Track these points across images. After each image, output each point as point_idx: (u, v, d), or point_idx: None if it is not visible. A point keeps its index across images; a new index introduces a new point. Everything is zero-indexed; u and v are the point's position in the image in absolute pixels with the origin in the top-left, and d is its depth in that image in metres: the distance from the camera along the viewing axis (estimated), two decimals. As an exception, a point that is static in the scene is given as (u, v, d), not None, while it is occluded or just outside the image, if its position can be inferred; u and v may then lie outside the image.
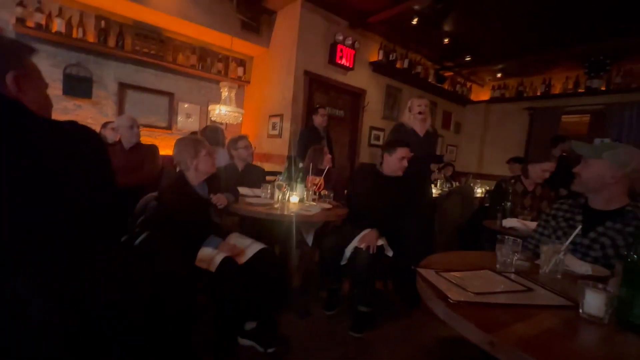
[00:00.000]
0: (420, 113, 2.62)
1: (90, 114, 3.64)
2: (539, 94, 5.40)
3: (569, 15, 3.52)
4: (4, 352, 0.65)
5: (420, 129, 2.65)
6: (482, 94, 6.29)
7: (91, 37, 3.46)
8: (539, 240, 1.37)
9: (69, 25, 3.29)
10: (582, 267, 1.06)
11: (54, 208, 0.83)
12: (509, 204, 2.15)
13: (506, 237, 1.09)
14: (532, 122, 5.54)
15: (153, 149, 2.72)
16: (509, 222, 1.98)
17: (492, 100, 6.05)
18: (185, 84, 4.28)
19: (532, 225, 1.80)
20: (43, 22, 3.16)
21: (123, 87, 3.81)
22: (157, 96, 4.07)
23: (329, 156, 2.66)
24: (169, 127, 4.18)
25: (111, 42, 3.56)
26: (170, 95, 4.16)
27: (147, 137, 3.84)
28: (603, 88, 4.66)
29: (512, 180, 2.50)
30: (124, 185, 2.40)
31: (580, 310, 0.74)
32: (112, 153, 2.60)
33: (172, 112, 4.19)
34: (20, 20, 3.06)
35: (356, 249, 1.94)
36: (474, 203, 3.28)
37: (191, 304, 1.32)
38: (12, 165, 0.75)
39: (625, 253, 0.73)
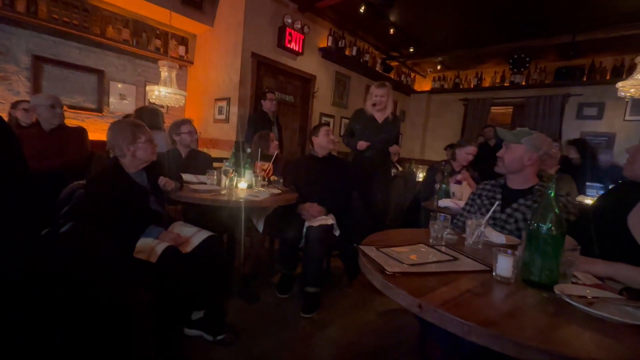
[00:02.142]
0: (374, 105, 2.74)
1: (-3, 91, 3.11)
2: (472, 86, 5.92)
3: (499, 15, 3.87)
4: None
5: (379, 116, 2.78)
6: (424, 85, 6.69)
7: (-8, -1, 2.92)
8: (466, 217, 1.54)
9: (-40, -19, 2.73)
10: (499, 238, 1.22)
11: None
12: (444, 186, 2.35)
13: (438, 214, 1.20)
14: (466, 112, 6.08)
15: (80, 131, 2.44)
16: (443, 202, 2.17)
17: (433, 91, 6.47)
18: (117, 60, 3.86)
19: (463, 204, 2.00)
20: None
21: (38, 60, 3.30)
22: (82, 73, 3.61)
23: (275, 142, 2.65)
24: (99, 110, 3.75)
25: (20, 7, 3.04)
26: (99, 72, 3.72)
27: (72, 120, 3.41)
28: (523, 83, 5.27)
29: (443, 163, 2.77)
30: (44, 170, 2.13)
31: (494, 273, 0.86)
32: (28, 136, 2.28)
33: (102, 92, 3.76)
34: None
35: (308, 228, 2.01)
36: (416, 186, 3.54)
37: (128, 297, 1.24)
38: None
39: (528, 222, 0.86)
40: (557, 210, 0.81)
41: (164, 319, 1.45)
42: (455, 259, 1.00)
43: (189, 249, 1.59)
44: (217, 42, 4.06)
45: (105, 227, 1.36)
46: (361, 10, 3.88)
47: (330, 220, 2.09)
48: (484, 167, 2.66)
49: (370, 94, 2.79)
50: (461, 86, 6.09)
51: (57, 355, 0.89)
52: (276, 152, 2.55)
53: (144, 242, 1.48)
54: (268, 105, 3.44)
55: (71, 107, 3.49)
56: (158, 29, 4.02)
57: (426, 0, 3.74)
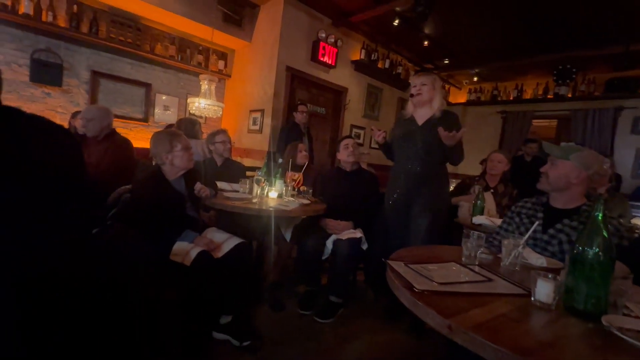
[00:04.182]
0: (412, 96, 1.98)
1: (60, 102, 3.48)
2: (511, 98, 5.66)
3: (540, 25, 3.71)
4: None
5: (420, 115, 1.98)
6: (459, 97, 6.50)
7: (62, 22, 3.31)
8: (503, 236, 1.46)
9: (37, 8, 3.12)
10: (539, 260, 1.15)
11: (25, 198, 0.81)
12: (479, 202, 2.25)
13: (471, 232, 1.15)
14: (504, 125, 5.80)
15: (126, 141, 2.64)
16: (478, 219, 2.08)
17: (469, 103, 6.27)
18: (163, 74, 4.17)
19: (499, 222, 1.90)
20: (9, 3, 2.98)
21: (96, 75, 3.66)
22: (132, 86, 3.94)
23: (303, 153, 2.68)
24: (145, 120, 4.05)
25: (84, 28, 3.41)
26: (147, 86, 4.04)
27: (121, 129, 3.71)
28: (569, 95, 4.95)
29: (477, 178, 2.61)
30: (97, 175, 2.32)
31: (532, 298, 0.81)
32: (85, 144, 2.52)
33: (148, 103, 4.07)
34: (-17, 0, 2.87)
35: (336, 240, 2.02)
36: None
37: (159, 297, 1.31)
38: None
39: (572, 245, 0.80)
40: (605, 234, 0.75)
41: (195, 320, 1.51)
42: (490, 280, 0.95)
43: (220, 254, 1.65)
44: (254, 57, 4.25)
45: (146, 229, 1.46)
46: (395, 24, 3.90)
47: (358, 233, 2.08)
48: (517, 183, 2.51)
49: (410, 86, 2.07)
50: (499, 98, 5.84)
51: (92, 345, 0.95)
52: (306, 163, 2.59)
53: (179, 246, 1.56)
54: (299, 117, 3.52)
55: (121, 117, 3.81)
56: (201, 45, 4.30)
57: (462, 11, 3.67)
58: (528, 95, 5.49)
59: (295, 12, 3.87)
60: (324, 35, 4.11)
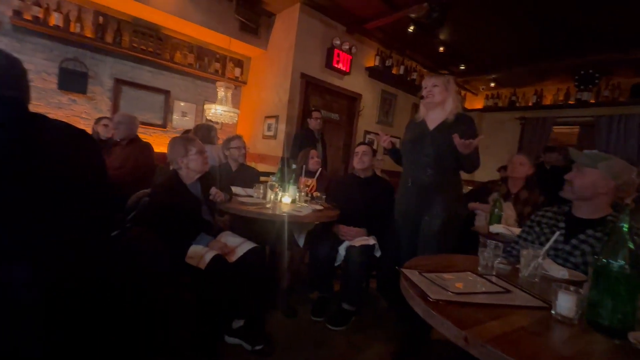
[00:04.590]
0: (422, 98, 1.87)
1: (85, 109, 3.63)
2: (530, 104, 5.51)
3: (560, 29, 3.62)
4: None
5: (431, 119, 1.84)
6: (476, 102, 6.39)
7: (89, 33, 3.46)
8: (522, 245, 1.41)
9: (66, 19, 3.29)
10: (560, 272, 1.10)
11: (49, 201, 0.85)
12: (496, 210, 2.19)
13: (488, 241, 1.12)
14: (523, 131, 5.65)
15: (147, 146, 2.73)
16: (495, 228, 2.02)
17: (486, 109, 6.15)
18: (181, 82, 4.29)
19: (518, 231, 1.84)
20: (40, 16, 3.15)
21: (119, 83, 3.80)
22: (152, 94, 4.07)
23: (315, 159, 2.68)
24: (164, 125, 4.18)
25: (109, 38, 3.57)
26: (166, 93, 4.16)
27: (141, 135, 3.83)
28: (592, 101, 4.78)
29: (499, 183, 2.50)
30: (119, 179, 2.40)
31: (553, 311, 0.78)
32: (107, 149, 2.62)
33: (167, 109, 4.20)
34: (17, 13, 3.05)
35: (349, 247, 2.01)
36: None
37: (174, 299, 1.33)
38: (12, 160, 0.77)
39: (596, 257, 0.77)
40: (631, 245, 0.72)
41: (208, 323, 1.53)
42: (508, 291, 0.92)
43: (234, 258, 1.67)
44: (269, 64, 4.33)
45: (163, 232, 1.49)
46: (410, 30, 3.89)
47: (372, 240, 2.06)
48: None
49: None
50: (517, 104, 5.70)
51: (103, 342, 0.97)
52: (319, 169, 2.60)
53: (195, 249, 1.59)
54: (313, 124, 3.55)
55: (141, 122, 3.91)
56: (218, 53, 4.42)
57: (479, 16, 3.62)
58: (548, 101, 5.34)
59: (310, 20, 3.93)
60: (338, 42, 4.14)
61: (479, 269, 1.10)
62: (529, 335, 0.67)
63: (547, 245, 1.10)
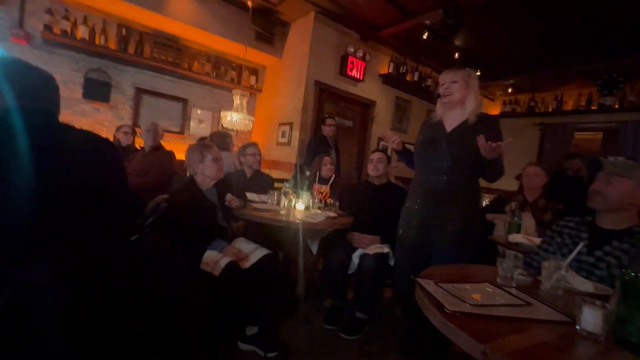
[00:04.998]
0: (439, 97, 1.67)
1: (107, 117, 3.77)
2: (550, 110, 5.36)
3: (580, 32, 3.52)
4: (17, 331, 0.69)
5: (449, 120, 1.66)
6: (493, 108, 6.27)
7: (112, 44, 3.62)
8: (543, 256, 1.37)
9: (92, 32, 3.45)
10: (584, 285, 1.06)
11: (73, 205, 0.88)
12: (515, 219, 2.13)
13: (507, 251, 1.09)
14: (543, 137, 5.49)
15: (169, 153, 2.82)
16: (514, 238, 1.96)
17: (503, 115, 6.02)
18: (199, 90, 4.41)
19: (538, 241, 1.78)
20: (68, 30, 3.32)
21: (139, 92, 3.94)
22: (171, 102, 4.20)
23: (328, 166, 2.68)
24: (181, 132, 4.29)
25: (131, 49, 3.71)
26: (184, 101, 4.29)
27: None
28: (616, 106, 4.60)
29: (516, 194, 2.45)
30: (142, 185, 2.48)
31: (577, 327, 0.74)
32: (131, 156, 2.72)
33: (185, 117, 4.31)
34: (48, 27, 3.22)
35: (363, 255, 1.99)
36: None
37: (189, 305, 1.35)
38: (41, 165, 0.81)
39: (623, 270, 0.74)
40: (662, 259, 0.68)
41: (222, 330, 1.54)
42: (528, 304, 0.89)
43: (247, 264, 1.68)
44: (283, 72, 4.39)
45: (179, 237, 1.52)
46: (424, 37, 3.87)
47: (386, 248, 2.04)
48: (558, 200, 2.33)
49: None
50: (536, 109, 5.56)
51: (122, 344, 0.99)
52: (333, 176, 2.60)
53: (210, 255, 1.61)
54: (327, 131, 3.56)
55: (160, 130, 4.06)
56: (234, 62, 4.52)
57: (495, 20, 3.57)
58: (569, 106, 5.18)
59: (324, 28, 3.97)
60: (352, 49, 4.17)
61: (498, 280, 1.07)
62: (551, 351, 0.64)
63: (571, 257, 1.06)
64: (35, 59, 3.33)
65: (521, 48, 4.16)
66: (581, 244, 1.11)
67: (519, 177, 4.28)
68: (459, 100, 1.60)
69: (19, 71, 0.87)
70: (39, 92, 0.89)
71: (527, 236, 1.96)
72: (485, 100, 6.18)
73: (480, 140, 1.40)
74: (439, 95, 1.66)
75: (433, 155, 1.64)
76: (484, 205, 2.71)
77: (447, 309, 0.77)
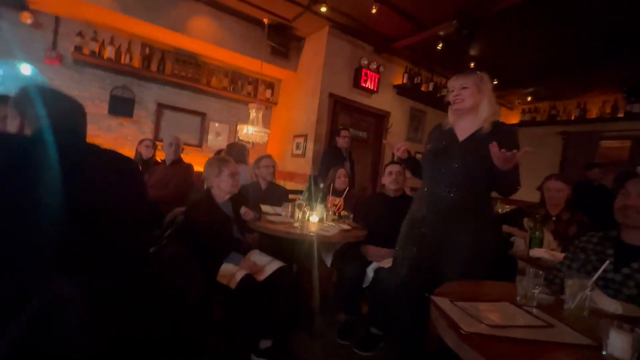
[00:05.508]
0: (449, 104, 1.57)
1: (131, 131, 3.94)
2: (572, 118, 5.19)
3: (603, 37, 3.41)
4: (40, 347, 0.72)
5: (461, 129, 1.53)
6: (511, 117, 6.13)
7: (137, 63, 3.81)
8: (566, 274, 1.31)
9: (118, 52, 3.65)
10: (612, 305, 1.00)
11: (97, 220, 0.93)
12: (537, 232, 2.05)
13: (528, 268, 1.05)
14: (566, 147, 5.30)
15: (189, 166, 2.91)
16: (536, 252, 1.88)
17: (522, 124, 5.87)
18: (217, 104, 4.55)
19: (561, 256, 1.70)
20: (97, 50, 3.53)
21: (161, 107, 4.11)
22: (190, 116, 4.35)
23: (342, 178, 2.67)
24: (199, 145, 4.42)
25: (153, 66, 3.90)
26: (202, 115, 4.43)
27: (179, 154, 4.08)
28: (645, 113, 4.41)
29: (537, 207, 2.33)
30: (163, 197, 2.56)
31: (604, 352, 0.71)
32: (153, 169, 2.83)
33: (203, 130, 4.45)
34: (78, 48, 3.44)
35: (378, 269, 1.96)
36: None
37: (205, 318, 1.36)
38: (68, 181, 0.86)
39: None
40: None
41: (236, 343, 1.54)
42: (550, 325, 0.85)
43: (262, 277, 1.69)
44: (298, 85, 4.48)
45: (196, 250, 1.55)
46: (438, 48, 3.87)
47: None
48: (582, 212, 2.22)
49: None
50: (558, 118, 5.39)
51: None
52: (347, 188, 2.60)
53: (226, 268, 1.63)
54: (341, 142, 3.58)
55: (179, 143, 4.20)
56: (250, 77, 4.65)
57: (511, 29, 3.51)
58: (593, 114, 5.00)
59: (338, 42, 4.04)
60: (366, 62, 4.21)
61: (518, 298, 1.02)
62: (575, 379, 0.61)
63: (596, 275, 1.01)
64: (67, 78, 3.55)
65: (539, 55, 4.07)
66: (607, 262, 1.05)
67: (540, 188, 4.14)
68: (471, 107, 1.47)
69: (54, 98, 0.98)
70: (69, 117, 0.98)
71: (549, 251, 1.89)
72: (504, 109, 6.05)
73: (494, 147, 1.26)
74: (449, 103, 1.55)
75: (443, 166, 1.50)
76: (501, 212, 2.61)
77: (463, 330, 0.75)
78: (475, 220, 1.46)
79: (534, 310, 0.95)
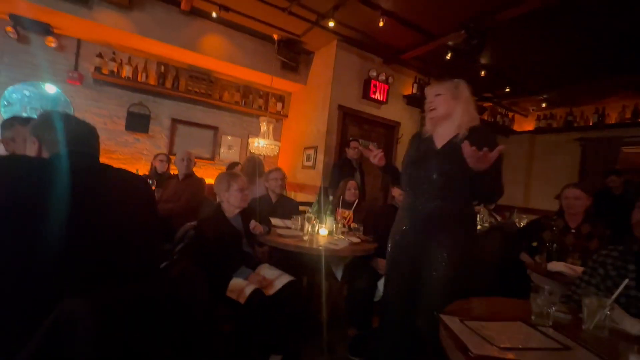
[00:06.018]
0: (424, 112, 1.59)
1: (146, 146, 4.07)
2: (591, 123, 5.04)
3: (620, 41, 3.32)
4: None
5: (439, 135, 1.51)
6: (526, 124, 6.00)
7: (152, 80, 3.96)
8: (584, 291, 1.25)
9: (135, 70, 3.80)
10: (635, 326, 0.95)
11: (108, 238, 0.96)
12: (555, 245, 1.98)
13: (542, 286, 1.01)
14: (584, 154, 5.13)
15: (201, 180, 2.97)
16: (555, 266, 1.81)
17: (538, 131, 5.73)
18: (229, 118, 4.66)
19: (581, 270, 1.63)
20: (115, 70, 3.69)
21: (175, 122, 4.24)
22: (203, 130, 4.47)
23: (352, 191, 2.63)
24: (212, 158, 4.52)
25: (168, 83, 4.04)
26: (215, 129, 4.54)
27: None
28: (668, 117, 4.24)
29: (555, 217, 2.23)
30: (175, 211, 2.61)
31: (624, 378, 0.67)
32: (167, 183, 2.90)
33: (215, 144, 4.55)
34: (98, 69, 3.61)
35: None
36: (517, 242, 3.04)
37: (214, 333, 1.37)
38: (82, 201, 0.90)
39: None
40: None
41: (244, 357, 1.53)
42: (567, 348, 0.81)
43: (272, 291, 1.69)
44: (308, 98, 4.54)
45: (206, 264, 1.57)
46: (447, 58, 3.86)
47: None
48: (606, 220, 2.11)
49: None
50: (575, 124, 5.24)
51: None
52: (357, 200, 2.58)
53: (235, 282, 1.64)
54: (351, 153, 3.58)
55: (193, 157, 4.30)
56: (261, 91, 4.76)
57: (522, 36, 3.46)
58: (612, 119, 4.84)
59: (347, 55, 4.09)
60: (374, 73, 4.24)
61: (532, 317, 0.99)
62: (591, 408, 0.58)
63: (615, 294, 0.96)
64: (87, 97, 3.72)
65: (552, 62, 3.99)
66: (626, 280, 1.00)
67: (559, 197, 4.01)
68: (445, 113, 1.46)
69: (72, 124, 1.04)
70: (85, 141, 1.05)
71: (569, 265, 1.81)
72: (518, 116, 5.94)
73: (465, 146, 1.22)
74: (423, 111, 1.55)
75: (422, 176, 1.47)
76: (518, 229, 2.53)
77: (472, 353, 0.73)
78: (457, 232, 1.43)
79: (550, 331, 0.91)
